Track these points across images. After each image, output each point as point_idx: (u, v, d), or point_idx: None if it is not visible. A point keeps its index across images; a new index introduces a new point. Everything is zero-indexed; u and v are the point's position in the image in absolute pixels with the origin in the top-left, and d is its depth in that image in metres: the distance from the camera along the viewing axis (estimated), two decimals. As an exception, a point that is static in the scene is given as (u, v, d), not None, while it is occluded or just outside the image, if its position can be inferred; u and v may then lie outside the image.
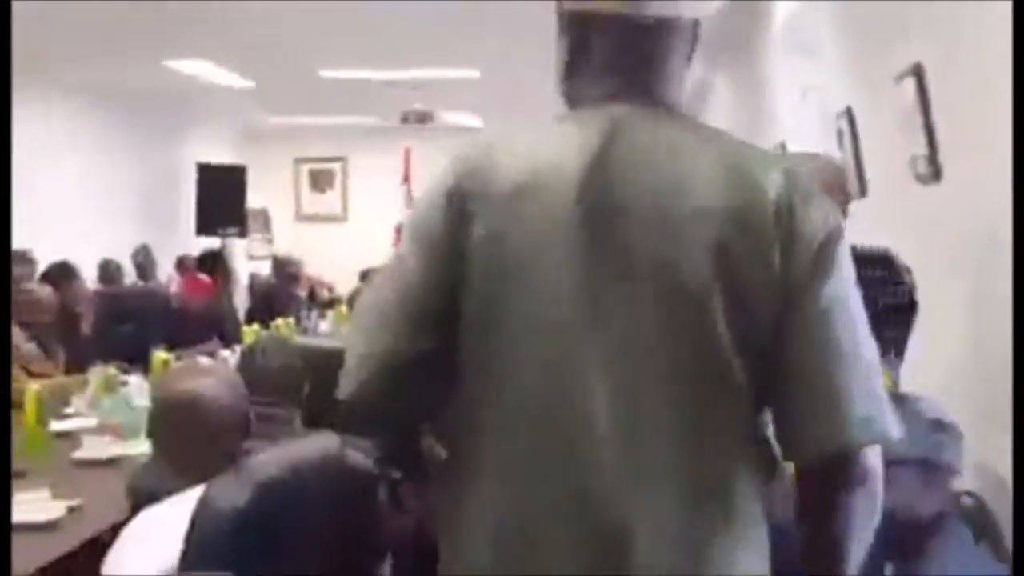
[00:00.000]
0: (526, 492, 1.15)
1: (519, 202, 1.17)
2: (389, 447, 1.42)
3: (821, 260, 1.13)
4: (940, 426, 1.71)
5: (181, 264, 7.44)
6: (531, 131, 1.28)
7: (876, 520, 1.18)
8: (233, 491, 1.71)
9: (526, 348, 1.16)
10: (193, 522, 1.67)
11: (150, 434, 1.99)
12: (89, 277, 5.68)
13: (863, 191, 3.28)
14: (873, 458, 1.14)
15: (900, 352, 2.10)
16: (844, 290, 1.14)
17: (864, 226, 3.38)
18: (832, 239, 1.15)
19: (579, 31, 1.26)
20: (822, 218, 1.15)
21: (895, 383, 2.07)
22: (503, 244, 1.17)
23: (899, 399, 1.74)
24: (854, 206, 3.42)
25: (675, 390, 1.13)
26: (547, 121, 1.27)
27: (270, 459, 1.81)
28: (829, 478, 1.14)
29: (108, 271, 6.47)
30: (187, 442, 1.86)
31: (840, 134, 3.41)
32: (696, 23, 1.27)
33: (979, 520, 2.12)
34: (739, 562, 1.14)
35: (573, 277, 1.15)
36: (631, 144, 1.18)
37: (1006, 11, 1.91)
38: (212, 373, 2.01)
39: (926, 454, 1.69)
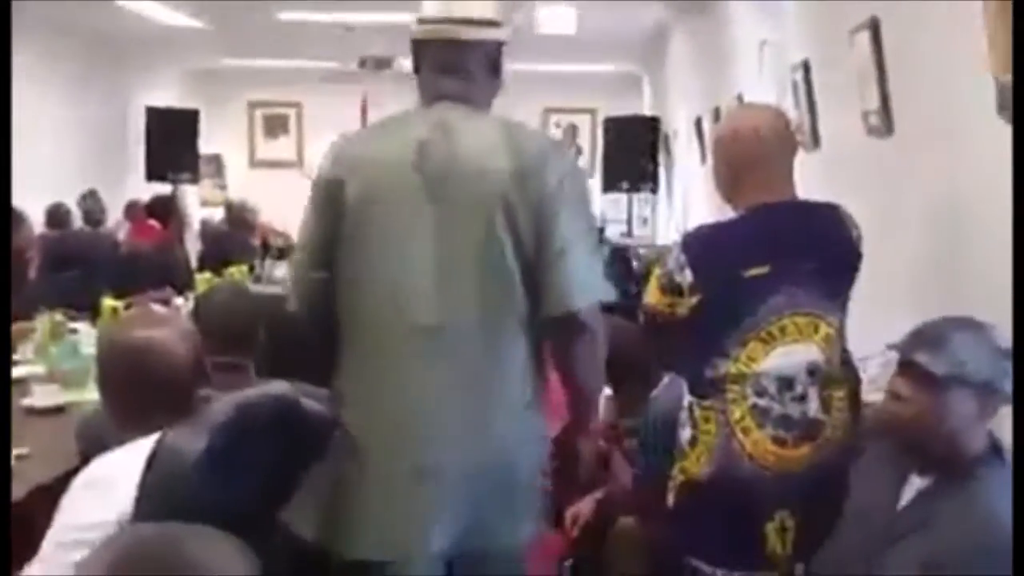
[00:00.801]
0: (384, 346, 1.86)
1: (374, 173, 1.86)
2: (322, 347, 1.98)
3: (561, 200, 1.82)
4: (1008, 354, 1.71)
5: (130, 209, 7.31)
6: (381, 126, 2.02)
7: (601, 363, 1.90)
8: (189, 438, 1.69)
9: (379, 263, 1.84)
10: (148, 468, 1.66)
11: (100, 383, 1.95)
12: (36, 223, 5.57)
13: (816, 143, 3.32)
14: (590, 317, 1.84)
15: (845, 302, 2.13)
16: (578, 217, 1.85)
17: (818, 178, 3.43)
18: (566, 186, 1.83)
19: (415, 50, 1.94)
20: (559, 175, 1.83)
21: (841, 333, 2.11)
22: (365, 201, 1.85)
23: (975, 325, 1.76)
24: (809, 158, 3.47)
25: (477, 282, 1.82)
26: (403, 113, 1.98)
27: (225, 406, 1.80)
28: (563, 331, 1.84)
29: (57, 215, 6.34)
30: (140, 392, 1.84)
31: (795, 87, 3.44)
32: (498, 44, 1.92)
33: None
34: (512, 359, 1.86)
35: (412, 217, 1.83)
36: (448, 131, 1.84)
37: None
38: (166, 322, 1.97)
39: (991, 378, 1.70)
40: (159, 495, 1.63)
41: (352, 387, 1.91)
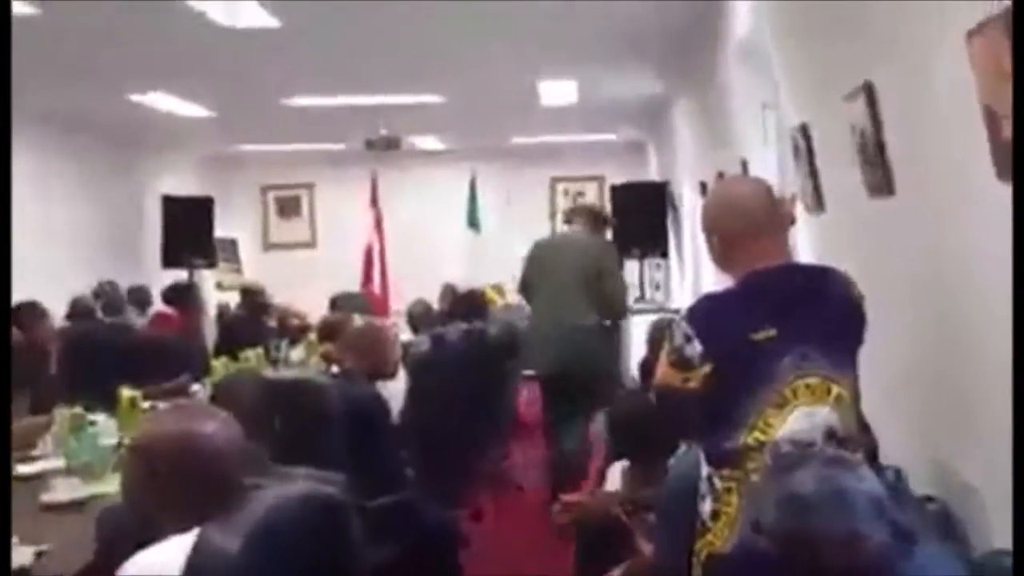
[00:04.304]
0: (547, 318, 5.31)
1: (546, 254, 5.43)
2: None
3: (605, 263, 5.33)
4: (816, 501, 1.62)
5: (132, 295, 7.35)
6: (551, 237, 7.26)
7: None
8: (225, 536, 1.68)
9: (544, 291, 5.32)
10: (189, 569, 1.64)
11: (137, 479, 1.83)
12: (56, 315, 5.63)
13: (820, 206, 3.33)
14: (623, 312, 5.72)
15: (854, 364, 2.12)
16: (613, 269, 5.44)
17: (823, 241, 3.44)
18: (606, 258, 5.39)
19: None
20: (604, 252, 5.44)
21: (854, 395, 2.10)
22: (542, 263, 5.36)
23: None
24: (814, 221, 3.48)
25: (576, 297, 5.17)
26: (560, 233, 7.19)
27: (257, 505, 1.79)
28: (612, 314, 5.51)
29: (78, 307, 6.40)
30: (185, 487, 1.76)
31: (796, 150, 3.47)
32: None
33: (942, 523, 2.15)
34: (593, 335, 5.27)
35: (553, 275, 5.26)
36: (567, 241, 5.65)
37: (955, 30, 1.96)
38: (209, 414, 1.89)
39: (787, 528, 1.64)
40: None
41: (535, 320, 5.40)
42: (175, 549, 1.68)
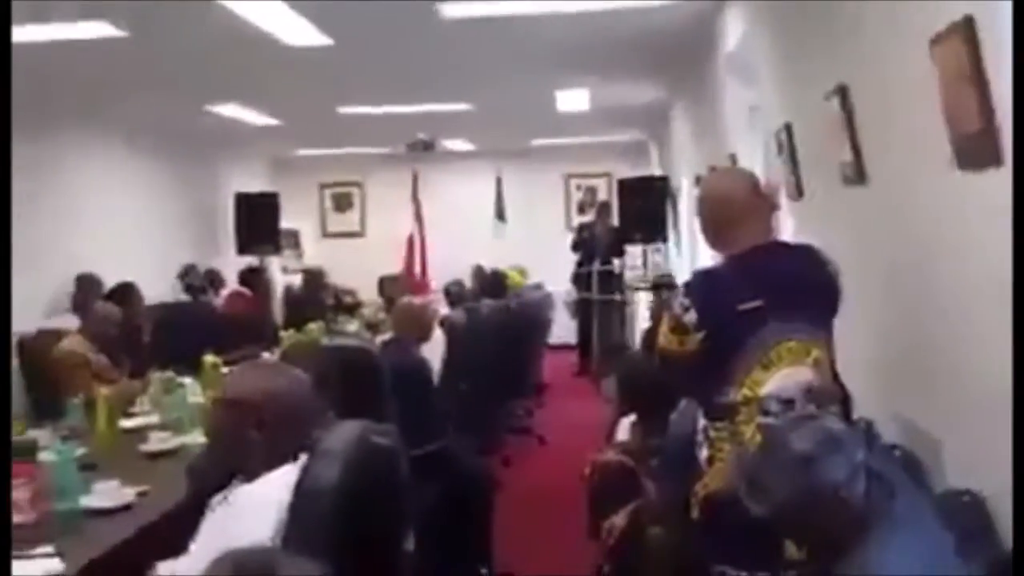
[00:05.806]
0: None
1: None
2: None
3: None
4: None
5: (210, 277, 7.44)
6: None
7: None
8: (326, 468, 1.71)
9: None
10: (299, 491, 1.67)
11: (222, 426, 1.84)
12: (148, 295, 5.68)
13: (800, 193, 3.30)
14: None
15: (830, 329, 2.10)
16: None
17: (803, 222, 3.41)
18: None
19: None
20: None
21: (829, 356, 2.08)
22: None
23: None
24: (795, 207, 3.44)
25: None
26: None
27: (336, 442, 1.79)
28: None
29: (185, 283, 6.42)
30: (269, 430, 1.76)
31: (780, 146, 3.43)
32: None
33: (908, 469, 2.14)
34: None
35: None
36: None
37: (919, 37, 1.93)
38: (285, 371, 1.91)
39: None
40: (307, 514, 1.65)
41: None
42: (279, 478, 1.70)
